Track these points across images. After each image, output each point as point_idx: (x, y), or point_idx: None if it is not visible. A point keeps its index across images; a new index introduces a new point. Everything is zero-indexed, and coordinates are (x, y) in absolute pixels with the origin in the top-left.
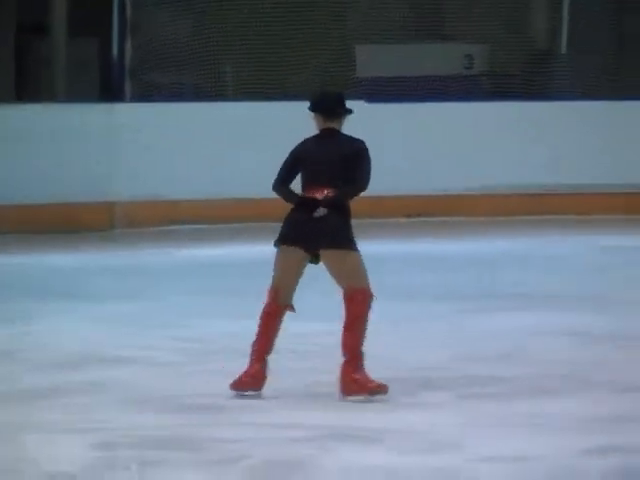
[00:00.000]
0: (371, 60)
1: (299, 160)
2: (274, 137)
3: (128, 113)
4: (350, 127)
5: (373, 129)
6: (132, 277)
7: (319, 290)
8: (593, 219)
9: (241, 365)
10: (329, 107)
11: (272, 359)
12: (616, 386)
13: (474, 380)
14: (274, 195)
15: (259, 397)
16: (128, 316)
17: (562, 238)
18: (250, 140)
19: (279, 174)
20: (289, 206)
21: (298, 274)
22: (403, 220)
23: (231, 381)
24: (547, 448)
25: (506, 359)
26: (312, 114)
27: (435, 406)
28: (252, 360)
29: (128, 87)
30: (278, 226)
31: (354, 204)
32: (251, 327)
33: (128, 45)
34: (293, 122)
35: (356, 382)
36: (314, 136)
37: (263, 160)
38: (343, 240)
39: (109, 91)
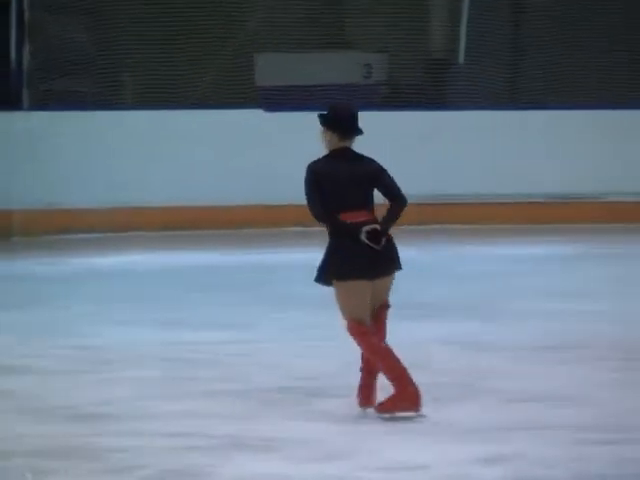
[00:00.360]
0: (270, 68)
1: (320, 182)
2: (173, 145)
3: (25, 121)
4: (248, 136)
5: (271, 138)
6: (27, 285)
7: (216, 300)
8: (483, 228)
9: (140, 372)
10: (350, 126)
11: (168, 367)
12: (504, 395)
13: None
14: (172, 204)
15: (156, 406)
16: (23, 325)
17: (451, 247)
18: (148, 148)
19: (313, 201)
20: (190, 214)
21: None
22: (299, 229)
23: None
24: (437, 457)
25: None
26: (323, 130)
27: (330, 415)
28: (402, 385)
29: (26, 95)
30: (176, 234)
31: (249, 212)
32: (146, 335)
33: (26, 51)
34: (192, 130)
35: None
36: (329, 156)
37: (161, 168)
38: (399, 262)
39: (7, 99)
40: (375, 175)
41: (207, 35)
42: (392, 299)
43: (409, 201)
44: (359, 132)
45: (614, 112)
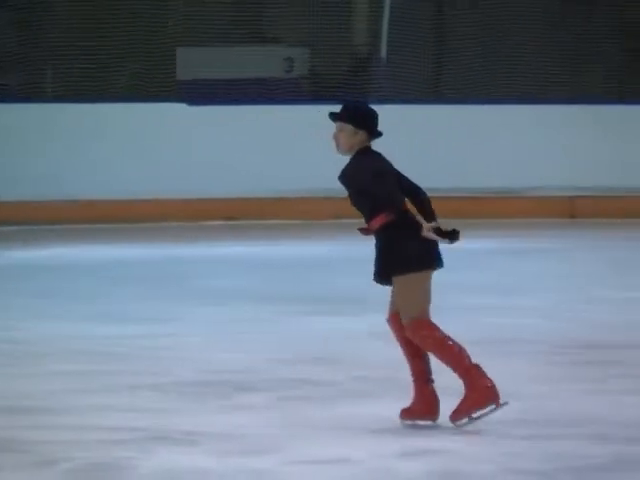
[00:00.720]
0: (192, 62)
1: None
2: (94, 139)
3: None
4: (170, 130)
5: (193, 132)
6: None
7: (139, 294)
8: None
9: (65, 365)
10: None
11: (93, 361)
12: None
13: (292, 383)
14: (94, 197)
15: (81, 400)
16: None
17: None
18: (70, 141)
19: (397, 197)
20: (112, 208)
21: None
22: (221, 223)
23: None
24: (364, 451)
25: (324, 362)
26: (352, 129)
27: (253, 409)
28: (473, 380)
29: None
30: (100, 228)
31: (171, 205)
32: (71, 329)
33: None
34: (114, 124)
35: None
36: (363, 154)
37: (83, 162)
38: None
39: None
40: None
41: (130, 29)
42: (310, 292)
43: (329, 196)
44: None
45: (538, 106)
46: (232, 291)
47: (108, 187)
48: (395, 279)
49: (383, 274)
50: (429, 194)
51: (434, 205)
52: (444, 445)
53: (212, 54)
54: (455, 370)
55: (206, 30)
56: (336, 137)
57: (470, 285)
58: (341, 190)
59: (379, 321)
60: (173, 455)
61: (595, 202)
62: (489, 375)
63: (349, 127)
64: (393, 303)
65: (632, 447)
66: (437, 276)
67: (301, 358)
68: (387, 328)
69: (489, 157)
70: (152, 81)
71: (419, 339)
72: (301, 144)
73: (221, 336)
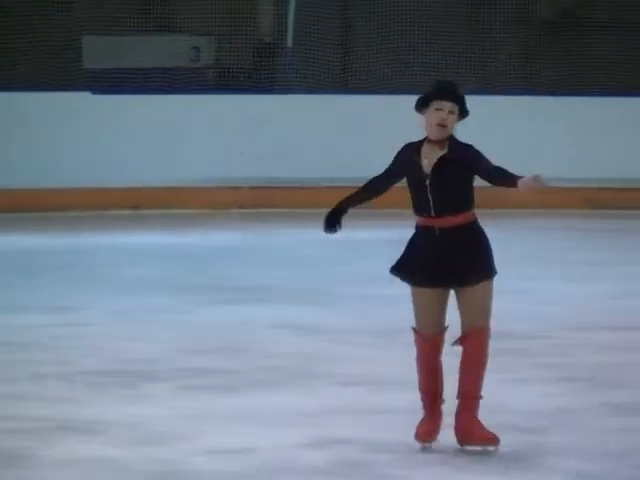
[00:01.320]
0: (98, 51)
1: None
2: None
3: None
4: (76, 119)
5: (99, 120)
6: None
7: (44, 284)
8: (318, 212)
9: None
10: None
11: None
12: (335, 379)
13: (197, 372)
14: (4, 186)
15: None
16: None
17: (285, 231)
18: None
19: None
20: (17, 198)
21: None
22: (126, 212)
23: None
24: (267, 440)
25: (229, 351)
26: (456, 114)
27: (159, 398)
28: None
29: None
30: (10, 217)
31: (76, 195)
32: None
33: None
34: (18, 113)
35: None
36: (457, 141)
37: None
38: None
39: None
40: None
41: (36, 17)
42: (215, 281)
43: (242, 185)
44: None
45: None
46: (138, 280)
47: (12, 176)
48: (483, 283)
49: (474, 275)
50: (333, 184)
51: (342, 195)
52: (347, 435)
53: (119, 43)
54: (479, 386)
55: (113, 19)
56: (446, 118)
57: (372, 275)
58: (246, 179)
59: (284, 311)
60: (76, 445)
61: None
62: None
63: (457, 110)
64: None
65: (531, 436)
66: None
67: (206, 347)
68: (299, 319)
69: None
70: (57, 70)
71: (481, 348)
72: (207, 133)
73: (127, 326)
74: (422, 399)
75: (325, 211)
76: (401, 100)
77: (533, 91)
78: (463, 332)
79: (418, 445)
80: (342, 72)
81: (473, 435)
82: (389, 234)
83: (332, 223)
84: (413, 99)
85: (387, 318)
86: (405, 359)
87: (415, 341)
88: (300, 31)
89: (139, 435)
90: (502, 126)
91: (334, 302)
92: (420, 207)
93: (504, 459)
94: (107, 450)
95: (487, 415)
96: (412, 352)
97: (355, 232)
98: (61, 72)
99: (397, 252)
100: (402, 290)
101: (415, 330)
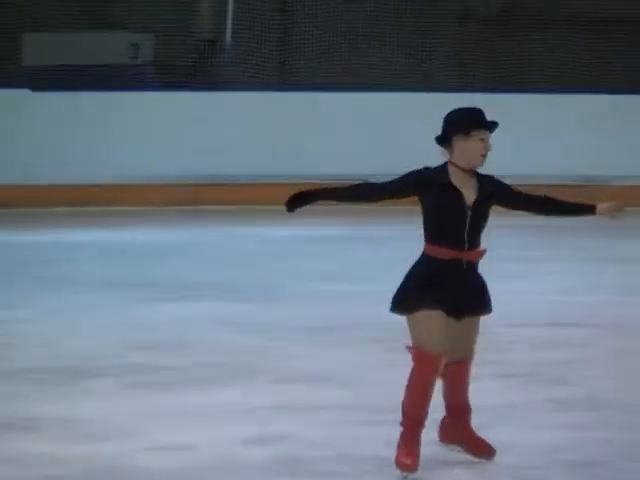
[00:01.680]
0: (38, 48)
1: None
2: None
3: None
4: (14, 116)
5: (38, 118)
6: None
7: None
8: (258, 209)
9: None
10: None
11: None
12: (273, 376)
13: (136, 369)
14: None
15: None
16: None
17: (223, 229)
18: None
19: None
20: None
21: None
22: (64, 209)
23: None
24: (207, 437)
25: (168, 348)
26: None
27: (98, 395)
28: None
29: None
30: None
31: (14, 191)
32: None
33: None
34: None
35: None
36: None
37: None
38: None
39: None
40: None
41: None
42: (155, 279)
43: (181, 183)
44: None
45: (387, 94)
46: (76, 277)
47: None
48: (478, 318)
49: (484, 310)
50: (271, 181)
51: (282, 191)
52: (285, 432)
53: (58, 40)
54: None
55: (53, 16)
56: (488, 147)
57: (312, 272)
58: (184, 177)
59: (223, 308)
60: (15, 442)
61: None
62: None
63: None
64: (457, 347)
65: None
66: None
67: (146, 344)
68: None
69: (332, 144)
70: None
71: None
72: (144, 131)
73: (65, 322)
74: (406, 424)
75: (263, 208)
76: (339, 97)
77: (471, 88)
78: (459, 359)
79: (401, 474)
80: (281, 68)
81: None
82: (325, 232)
83: (296, 204)
84: (351, 96)
85: (323, 315)
86: (341, 356)
87: (418, 363)
88: (239, 27)
89: (77, 432)
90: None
91: (272, 299)
92: (450, 239)
93: (443, 455)
94: (44, 447)
95: (429, 412)
96: (345, 349)
97: (293, 229)
98: (1, 69)
99: (334, 250)
100: (340, 287)
101: (419, 351)
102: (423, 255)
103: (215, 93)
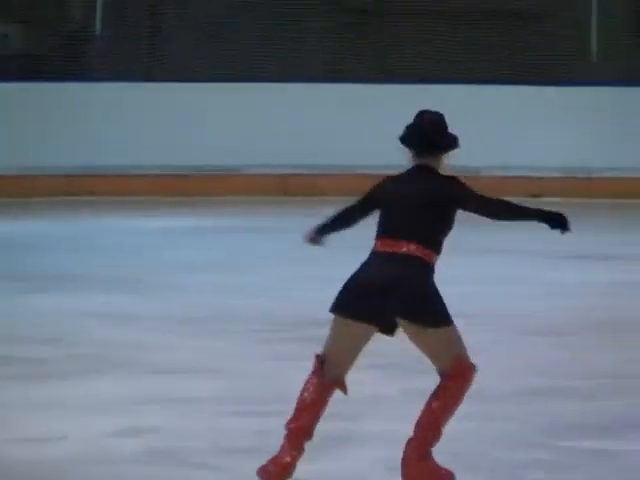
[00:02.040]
0: None
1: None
2: None
3: None
4: None
5: None
6: None
7: None
8: (134, 200)
9: None
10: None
11: None
12: (145, 368)
13: (6, 361)
14: None
15: None
16: None
17: (98, 220)
18: None
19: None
20: None
21: None
22: None
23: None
24: (78, 429)
25: (39, 340)
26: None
27: None
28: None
29: None
30: None
31: None
32: None
33: None
34: None
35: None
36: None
37: None
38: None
39: None
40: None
41: None
42: (25, 269)
43: (55, 174)
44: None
45: (248, 84)
46: None
47: None
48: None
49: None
50: (138, 172)
51: (155, 183)
52: (157, 423)
53: None
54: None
55: None
56: None
57: (190, 263)
58: (58, 168)
59: (94, 299)
60: None
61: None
62: None
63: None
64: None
65: (342, 423)
66: (150, 253)
67: (16, 336)
68: (110, 307)
69: (209, 136)
70: None
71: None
72: (14, 122)
73: None
74: (433, 442)
75: (124, 199)
76: (207, 88)
77: (341, 78)
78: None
79: None
80: (149, 60)
81: None
82: (200, 222)
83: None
84: (219, 87)
85: (196, 306)
86: (214, 347)
87: (465, 373)
88: (109, 18)
89: None
90: (305, 114)
91: (145, 291)
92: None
93: (313, 446)
94: None
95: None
96: (219, 340)
97: (167, 221)
98: None
99: (214, 241)
100: (220, 278)
101: (464, 361)
102: (431, 266)
103: (84, 84)
